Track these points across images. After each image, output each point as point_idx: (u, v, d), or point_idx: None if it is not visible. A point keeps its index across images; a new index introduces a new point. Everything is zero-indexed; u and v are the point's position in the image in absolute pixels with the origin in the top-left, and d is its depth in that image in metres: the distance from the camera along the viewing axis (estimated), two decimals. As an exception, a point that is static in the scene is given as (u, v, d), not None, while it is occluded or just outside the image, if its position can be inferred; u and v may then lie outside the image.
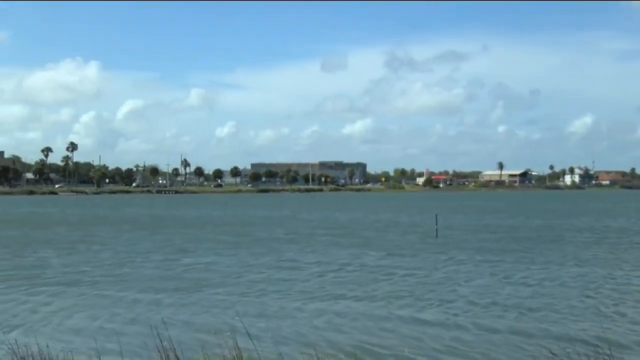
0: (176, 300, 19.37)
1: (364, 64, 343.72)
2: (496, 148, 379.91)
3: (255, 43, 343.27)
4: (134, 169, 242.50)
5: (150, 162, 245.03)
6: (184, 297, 19.88)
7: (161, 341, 10.26)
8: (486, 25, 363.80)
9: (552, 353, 10.95)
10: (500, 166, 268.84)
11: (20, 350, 10.29)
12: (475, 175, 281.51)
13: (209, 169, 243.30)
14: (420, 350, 13.36)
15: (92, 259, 30.11)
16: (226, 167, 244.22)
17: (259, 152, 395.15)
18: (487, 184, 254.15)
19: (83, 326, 16.10)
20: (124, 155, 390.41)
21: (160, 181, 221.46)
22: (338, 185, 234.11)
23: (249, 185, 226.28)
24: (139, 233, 45.26)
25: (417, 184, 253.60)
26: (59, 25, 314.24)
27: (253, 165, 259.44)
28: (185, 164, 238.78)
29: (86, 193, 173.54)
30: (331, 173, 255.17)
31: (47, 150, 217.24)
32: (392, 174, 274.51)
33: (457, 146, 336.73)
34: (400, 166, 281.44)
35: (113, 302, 19.22)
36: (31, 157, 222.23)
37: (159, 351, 10.09)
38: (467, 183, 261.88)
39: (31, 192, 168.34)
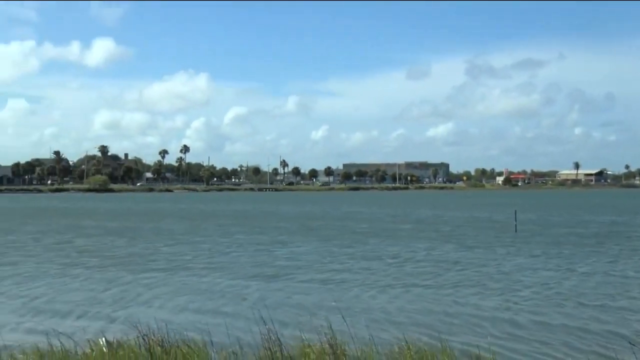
0: (270, 285, 19.76)
1: (447, 72, 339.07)
2: (572, 149, 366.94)
3: (346, 55, 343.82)
4: (239, 169, 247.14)
5: (252, 162, 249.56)
6: (277, 282, 20.22)
7: (264, 322, 10.76)
8: (562, 34, 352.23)
9: (631, 343, 10.83)
10: (577, 166, 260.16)
11: (141, 327, 11.02)
12: (552, 174, 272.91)
13: (305, 169, 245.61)
14: (484, 336, 13.21)
15: (195, 248, 30.89)
16: (320, 167, 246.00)
17: (350, 153, 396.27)
18: (564, 183, 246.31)
19: (189, 306, 16.61)
20: (230, 156, 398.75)
21: (278, 179, 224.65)
22: (423, 184, 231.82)
23: (341, 183, 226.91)
24: (238, 226, 45.99)
25: (497, 183, 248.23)
26: (175, 42, 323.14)
27: (345, 165, 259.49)
28: (284, 164, 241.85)
29: (197, 190, 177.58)
30: (416, 172, 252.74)
31: (163, 153, 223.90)
32: (473, 173, 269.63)
33: (534, 147, 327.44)
34: (480, 166, 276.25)
35: (214, 286, 19.76)
36: (150, 158, 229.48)
37: (260, 332, 10.58)
38: (544, 182, 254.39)
39: (150, 189, 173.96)
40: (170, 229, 43.84)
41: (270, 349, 10.03)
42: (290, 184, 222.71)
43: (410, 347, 10.00)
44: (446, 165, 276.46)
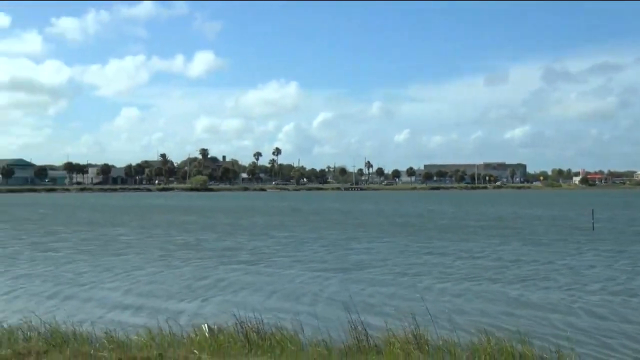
0: (352, 277, 19.67)
1: (523, 77, 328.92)
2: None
3: (426, 63, 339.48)
4: (326, 170, 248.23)
5: (339, 163, 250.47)
6: (359, 274, 20.09)
7: (350, 312, 10.77)
8: (638, 38, 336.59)
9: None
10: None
11: (240, 315, 11.22)
12: (629, 175, 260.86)
13: (388, 169, 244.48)
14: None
15: (281, 242, 31.04)
16: (402, 167, 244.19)
17: (431, 155, 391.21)
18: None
19: (278, 296, 16.73)
20: (318, 157, 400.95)
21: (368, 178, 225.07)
22: (500, 183, 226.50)
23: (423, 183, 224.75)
24: (321, 223, 46.02)
25: (574, 183, 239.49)
26: (268, 54, 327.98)
27: (426, 166, 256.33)
28: (368, 165, 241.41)
29: (287, 189, 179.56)
30: (494, 173, 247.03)
31: (257, 155, 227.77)
32: (549, 173, 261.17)
33: (610, 149, 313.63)
34: (557, 167, 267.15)
35: (299, 277, 19.83)
36: (245, 160, 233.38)
37: (348, 321, 10.60)
38: (622, 182, 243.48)
39: (245, 189, 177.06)
40: (261, 224, 44.46)
41: (357, 338, 10.03)
42: (390, 184, 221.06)
43: (490, 339, 9.79)
44: (523, 166, 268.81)
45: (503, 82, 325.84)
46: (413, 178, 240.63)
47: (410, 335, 9.93)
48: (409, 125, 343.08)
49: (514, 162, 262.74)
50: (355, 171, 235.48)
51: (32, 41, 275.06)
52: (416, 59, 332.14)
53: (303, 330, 11.11)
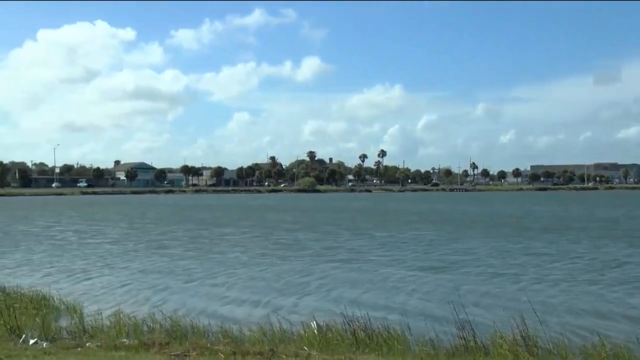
0: (453, 277, 19.22)
1: (637, 75, 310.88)
2: None
3: (531, 64, 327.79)
4: (431, 171, 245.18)
5: (444, 165, 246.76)
6: (460, 274, 19.57)
7: (456, 312, 10.57)
8: None
9: None
10: None
11: (347, 313, 11.28)
12: None
13: (493, 170, 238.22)
14: None
15: (381, 242, 30.71)
16: (508, 168, 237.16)
17: (537, 156, 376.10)
18: None
19: (381, 295, 16.48)
20: (423, 159, 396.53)
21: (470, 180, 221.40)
22: (612, 184, 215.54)
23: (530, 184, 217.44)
24: (423, 223, 45.24)
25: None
26: (372, 59, 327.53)
27: (532, 167, 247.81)
28: (474, 166, 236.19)
29: (393, 191, 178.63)
30: (606, 173, 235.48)
31: (363, 157, 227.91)
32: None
33: None
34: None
35: (404, 276, 19.39)
36: (351, 162, 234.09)
37: (455, 321, 10.41)
38: None
39: (351, 190, 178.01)
40: (361, 225, 44.43)
41: (464, 338, 9.84)
42: (495, 185, 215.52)
43: (605, 344, 9.32)
44: (638, 166, 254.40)
45: (615, 80, 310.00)
46: (519, 179, 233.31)
47: (519, 337, 9.63)
48: (515, 126, 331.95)
49: (628, 162, 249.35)
50: (460, 172, 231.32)
51: (153, 53, 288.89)
52: (520, 61, 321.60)
53: (410, 329, 11.02)
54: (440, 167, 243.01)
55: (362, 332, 10.70)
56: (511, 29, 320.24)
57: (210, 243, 31.09)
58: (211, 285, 18.48)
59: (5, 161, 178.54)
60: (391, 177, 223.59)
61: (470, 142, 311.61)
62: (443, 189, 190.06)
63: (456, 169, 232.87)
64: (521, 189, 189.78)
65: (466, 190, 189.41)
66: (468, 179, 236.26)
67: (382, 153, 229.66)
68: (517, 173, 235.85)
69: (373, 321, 11.09)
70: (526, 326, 9.74)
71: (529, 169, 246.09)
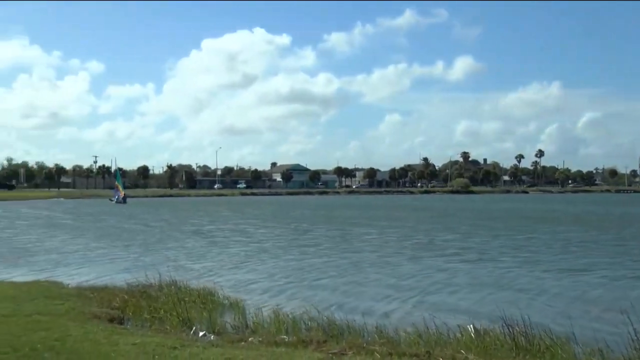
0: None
1: None
2: None
3: None
4: (594, 171, 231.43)
5: (608, 165, 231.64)
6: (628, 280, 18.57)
7: (630, 320, 9.80)
8: None
9: None
10: None
11: (505, 316, 10.89)
12: None
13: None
14: None
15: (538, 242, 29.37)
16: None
17: None
18: None
19: (539, 298, 15.59)
20: (584, 159, 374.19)
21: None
22: None
23: None
24: (574, 226, 42.47)
25: None
26: (528, 55, 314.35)
27: None
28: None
29: (551, 192, 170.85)
30: None
31: (519, 157, 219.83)
32: None
33: None
34: None
35: (548, 279, 18.22)
36: (507, 162, 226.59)
37: (628, 332, 9.68)
38: None
39: (507, 191, 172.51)
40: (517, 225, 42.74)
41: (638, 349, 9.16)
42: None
43: None
44: None
45: None
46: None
47: None
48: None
49: None
50: (628, 172, 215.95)
51: (307, 57, 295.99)
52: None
53: (575, 337, 10.44)
54: (605, 167, 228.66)
55: (522, 338, 10.30)
56: None
57: (363, 241, 31.32)
58: (358, 284, 18.48)
59: (174, 164, 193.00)
60: (549, 178, 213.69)
61: (638, 141, 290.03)
62: (608, 190, 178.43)
63: (623, 169, 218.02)
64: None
65: (635, 191, 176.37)
66: (637, 179, 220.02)
67: (540, 153, 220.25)
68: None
69: (534, 326, 10.64)
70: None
71: None
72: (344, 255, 25.82)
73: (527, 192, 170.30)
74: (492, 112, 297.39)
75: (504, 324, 10.74)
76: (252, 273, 21.01)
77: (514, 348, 10.03)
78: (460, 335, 10.90)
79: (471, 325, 11.17)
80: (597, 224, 45.03)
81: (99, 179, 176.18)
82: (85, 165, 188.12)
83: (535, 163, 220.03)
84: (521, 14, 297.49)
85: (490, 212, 66.92)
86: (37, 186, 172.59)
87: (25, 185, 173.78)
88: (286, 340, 10.60)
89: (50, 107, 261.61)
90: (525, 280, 19.29)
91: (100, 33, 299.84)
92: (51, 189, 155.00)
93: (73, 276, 19.62)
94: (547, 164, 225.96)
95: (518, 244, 30.48)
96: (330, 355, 9.30)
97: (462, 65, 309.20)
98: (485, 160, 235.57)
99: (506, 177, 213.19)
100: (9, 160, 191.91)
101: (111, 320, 11.93)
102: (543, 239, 32.52)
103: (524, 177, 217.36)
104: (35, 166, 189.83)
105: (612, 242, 31.15)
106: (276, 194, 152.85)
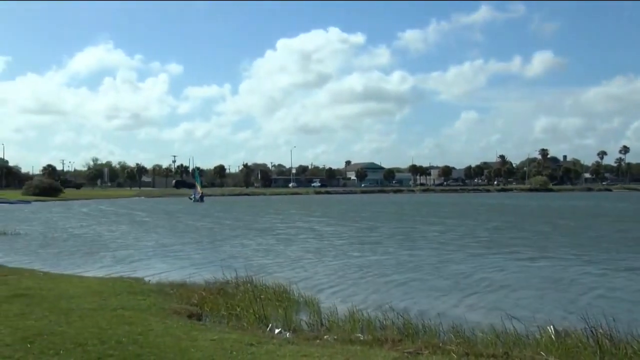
0: None
1: None
2: None
3: None
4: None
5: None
6: None
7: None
8: None
9: None
10: None
11: (589, 318, 10.52)
12: None
13: None
14: None
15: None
16: None
17: None
18: None
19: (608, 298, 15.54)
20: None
21: None
22: None
23: None
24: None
25: None
26: (611, 48, 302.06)
27: None
28: None
29: (637, 190, 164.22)
30: None
31: (602, 154, 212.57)
32: None
33: None
34: None
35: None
36: (588, 159, 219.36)
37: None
38: None
39: (588, 189, 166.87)
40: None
41: None
42: None
43: None
44: None
45: None
46: None
47: None
48: None
49: None
50: None
51: (381, 55, 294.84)
52: None
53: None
54: None
55: (607, 341, 9.94)
56: None
57: (436, 242, 30.94)
58: (429, 283, 18.30)
59: (250, 163, 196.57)
60: (635, 176, 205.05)
61: None
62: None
63: None
64: None
65: None
66: None
67: (624, 149, 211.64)
68: None
69: (621, 329, 10.26)
70: None
71: None
72: (414, 253, 25.62)
73: (610, 190, 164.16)
74: (573, 108, 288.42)
75: (586, 326, 10.40)
76: (324, 270, 21.08)
77: (598, 352, 9.69)
78: (539, 337, 10.62)
79: (551, 326, 10.86)
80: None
81: (177, 178, 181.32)
82: (164, 165, 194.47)
83: (620, 160, 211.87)
84: (602, 6, 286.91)
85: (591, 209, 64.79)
86: (119, 185, 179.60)
87: (109, 184, 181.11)
88: (361, 338, 10.60)
89: (132, 109, 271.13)
90: (605, 280, 18.59)
91: (178, 36, 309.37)
92: (132, 188, 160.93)
93: (152, 272, 20.21)
94: (633, 161, 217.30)
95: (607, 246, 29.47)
96: (406, 354, 9.23)
97: (541, 60, 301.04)
98: (565, 157, 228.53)
99: (588, 175, 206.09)
100: (95, 160, 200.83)
101: (190, 316, 12.23)
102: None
103: (607, 175, 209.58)
104: (117, 166, 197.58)
105: None
106: (350, 192, 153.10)
